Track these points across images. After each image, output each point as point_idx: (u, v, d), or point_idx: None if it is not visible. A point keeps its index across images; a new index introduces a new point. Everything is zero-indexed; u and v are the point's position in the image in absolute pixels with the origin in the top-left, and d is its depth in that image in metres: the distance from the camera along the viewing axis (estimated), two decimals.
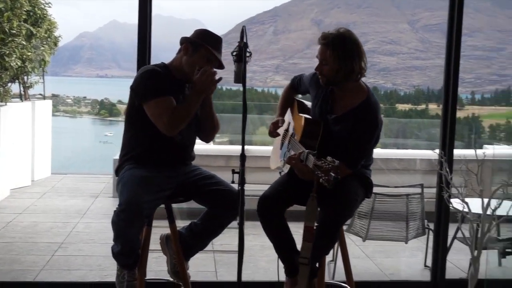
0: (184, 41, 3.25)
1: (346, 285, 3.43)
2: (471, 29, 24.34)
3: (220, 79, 3.14)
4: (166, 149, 3.23)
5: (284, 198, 3.23)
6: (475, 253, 3.60)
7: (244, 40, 2.90)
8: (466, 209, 3.58)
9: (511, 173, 3.60)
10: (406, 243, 4.66)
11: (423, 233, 4.69)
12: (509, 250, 4.37)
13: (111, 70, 26.71)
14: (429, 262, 4.97)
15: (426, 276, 4.83)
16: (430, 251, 4.84)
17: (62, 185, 8.45)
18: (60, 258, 4.97)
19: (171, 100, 3.13)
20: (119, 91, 22.83)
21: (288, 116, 3.54)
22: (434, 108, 15.05)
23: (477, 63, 22.23)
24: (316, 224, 2.94)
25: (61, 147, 15.54)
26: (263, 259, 5.21)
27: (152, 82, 3.14)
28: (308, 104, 3.46)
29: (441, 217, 4.11)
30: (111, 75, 26.18)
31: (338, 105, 3.21)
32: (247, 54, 2.91)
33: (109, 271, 4.65)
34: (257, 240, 5.73)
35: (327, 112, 3.23)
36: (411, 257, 5.34)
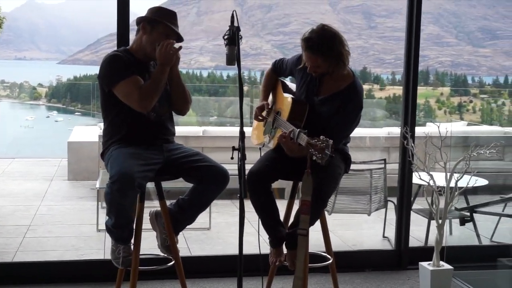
0: (140, 20, 3.36)
1: (326, 254, 3.68)
2: (390, 11, 25.09)
3: (180, 48, 3.29)
4: (145, 128, 3.35)
5: (271, 174, 3.42)
6: (440, 221, 3.90)
7: (236, 24, 3.06)
8: (431, 182, 3.87)
9: (466, 148, 3.91)
10: (369, 215, 4.96)
11: (384, 206, 5.00)
12: (468, 218, 4.73)
13: (30, 52, 26.03)
14: (387, 233, 5.33)
15: (385, 245, 5.17)
16: (387, 222, 5.19)
17: (13, 169, 8.37)
18: (32, 240, 5.02)
19: (137, 78, 3.25)
20: (39, 74, 22.34)
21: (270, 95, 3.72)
22: None
23: (397, 44, 22.97)
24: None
25: None
26: (231, 236, 5.41)
27: (116, 66, 3.26)
28: (290, 84, 3.65)
29: (404, 190, 4.40)
30: (30, 58, 25.54)
31: (325, 87, 3.40)
32: (240, 37, 3.08)
33: (84, 250, 4.75)
34: (221, 218, 5.93)
35: (314, 94, 3.43)
36: (369, 229, 5.66)
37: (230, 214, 6.08)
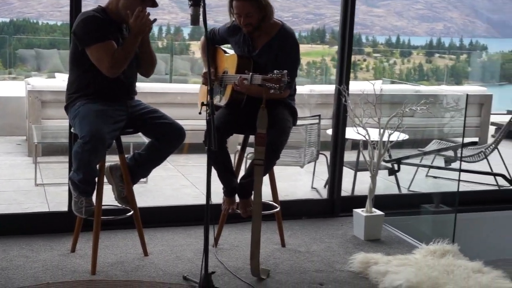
0: None
1: (274, 203, 3.98)
2: None
3: (155, 20, 3.44)
4: (113, 86, 3.50)
5: (226, 129, 3.66)
6: (373, 171, 4.28)
7: None
8: (367, 136, 4.22)
9: (391, 105, 4.29)
10: (302, 167, 5.30)
11: (316, 158, 5.35)
12: (396, 169, 5.17)
13: None
14: (314, 185, 5.71)
15: (314, 195, 5.54)
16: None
17: None
18: None
19: (112, 44, 3.39)
20: None
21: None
22: None
23: (294, 1, 23.41)
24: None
25: None
26: (168, 188, 5.61)
27: (93, 28, 3.38)
28: (228, 51, 3.91)
29: (338, 143, 4.75)
30: None
31: (258, 41, 3.73)
32: None
33: (28, 204, 4.80)
34: (155, 172, 6.07)
35: (250, 51, 3.70)
36: (298, 181, 6.01)
37: (163, 169, 6.22)
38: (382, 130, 4.22)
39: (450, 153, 5.67)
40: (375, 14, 24.58)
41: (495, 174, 5.62)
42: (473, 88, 9.84)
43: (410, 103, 4.15)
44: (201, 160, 6.71)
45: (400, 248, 4.11)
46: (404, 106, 4.14)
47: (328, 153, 4.98)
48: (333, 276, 3.62)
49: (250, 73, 3.41)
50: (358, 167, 5.39)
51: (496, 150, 5.83)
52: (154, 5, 3.48)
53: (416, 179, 5.81)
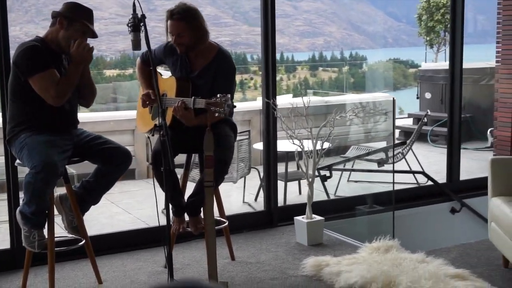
0: (57, 15, 3.49)
1: (221, 218, 4.07)
2: None
3: (93, 48, 3.48)
4: (58, 116, 3.49)
5: (173, 150, 3.71)
6: (310, 180, 4.46)
7: (138, 12, 3.30)
8: (301, 147, 4.41)
9: (318, 118, 4.52)
10: (235, 183, 5.41)
11: (248, 173, 5.49)
12: (329, 175, 5.38)
13: None
14: (246, 199, 5.84)
15: (248, 209, 5.67)
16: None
17: None
18: None
19: (55, 72, 3.40)
20: None
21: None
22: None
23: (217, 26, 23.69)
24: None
25: None
26: (101, 216, 5.55)
27: (35, 58, 3.38)
28: (164, 72, 3.98)
29: (270, 156, 4.91)
30: None
31: (196, 64, 3.80)
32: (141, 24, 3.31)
33: None
34: None
35: (188, 72, 3.79)
36: (228, 196, 6.12)
37: None
38: (314, 140, 4.42)
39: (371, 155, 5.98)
40: (257, 33, 25.24)
41: (417, 172, 5.99)
42: (379, 95, 10.34)
43: (339, 112, 4.38)
44: (128, 187, 6.77)
45: (343, 249, 4.31)
46: (335, 114, 4.36)
47: (258, 167, 5.14)
48: (289, 282, 3.75)
49: (193, 97, 3.47)
50: (287, 177, 5.57)
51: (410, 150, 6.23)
52: (94, 36, 3.51)
53: (340, 184, 6.08)
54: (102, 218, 5.50)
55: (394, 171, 4.98)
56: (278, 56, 22.57)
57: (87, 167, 3.86)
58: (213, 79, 3.71)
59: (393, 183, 4.73)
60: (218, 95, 3.33)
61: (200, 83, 3.73)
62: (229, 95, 3.33)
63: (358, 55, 22.48)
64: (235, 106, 3.42)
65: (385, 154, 5.73)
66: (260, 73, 5.00)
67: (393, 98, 4.87)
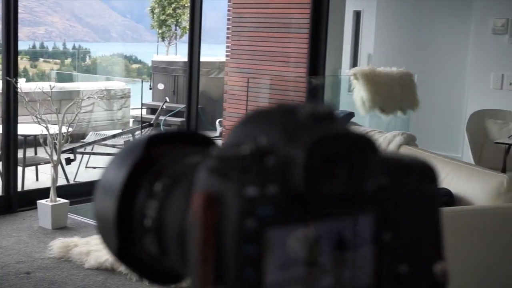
0: None
1: None
2: None
3: None
4: None
5: None
6: (55, 162, 4.45)
7: None
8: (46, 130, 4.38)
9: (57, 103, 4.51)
10: None
11: None
12: (72, 158, 5.34)
13: None
14: None
15: None
16: None
17: None
18: None
19: None
20: None
21: None
22: None
23: None
24: None
25: None
26: None
27: None
28: None
29: (11, 141, 4.75)
30: None
31: None
32: None
33: None
34: None
35: None
36: None
37: None
38: (61, 123, 4.42)
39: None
40: None
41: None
42: (115, 83, 10.43)
43: (87, 94, 4.44)
44: None
45: (88, 231, 4.38)
46: (82, 96, 4.41)
47: None
48: (36, 264, 3.73)
49: None
50: (25, 163, 5.43)
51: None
52: None
53: (80, 170, 6.10)
54: None
55: None
56: None
57: None
58: None
59: None
60: None
61: None
62: None
63: (82, 48, 22.22)
64: None
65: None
66: None
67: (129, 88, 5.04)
